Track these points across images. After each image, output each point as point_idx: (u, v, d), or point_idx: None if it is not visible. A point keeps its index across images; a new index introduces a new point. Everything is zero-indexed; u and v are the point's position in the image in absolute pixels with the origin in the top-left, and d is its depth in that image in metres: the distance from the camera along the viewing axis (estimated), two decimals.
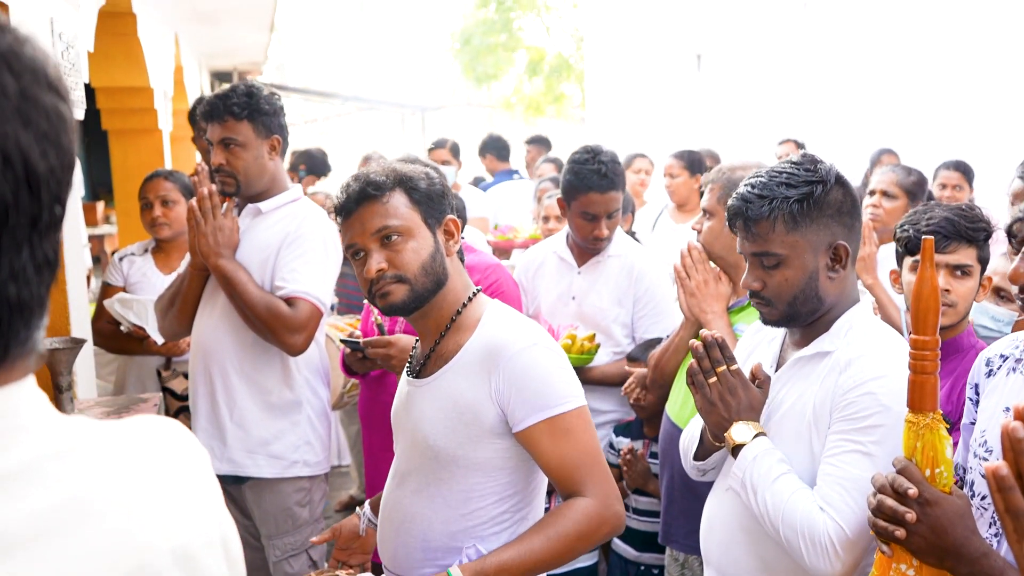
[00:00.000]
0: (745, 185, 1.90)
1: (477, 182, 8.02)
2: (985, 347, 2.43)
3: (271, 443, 2.99)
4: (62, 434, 0.75)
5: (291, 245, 2.94)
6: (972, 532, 1.51)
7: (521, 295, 3.33)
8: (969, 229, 2.50)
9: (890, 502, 1.53)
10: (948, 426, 1.80)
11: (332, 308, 4.04)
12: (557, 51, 23.25)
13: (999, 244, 2.62)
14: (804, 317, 1.91)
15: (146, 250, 3.99)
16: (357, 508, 2.33)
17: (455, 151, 6.21)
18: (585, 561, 3.19)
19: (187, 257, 3.08)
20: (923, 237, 1.55)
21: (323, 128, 28.60)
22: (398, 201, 1.91)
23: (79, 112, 3.36)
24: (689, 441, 2.14)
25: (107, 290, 3.90)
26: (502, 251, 5.64)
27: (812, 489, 1.81)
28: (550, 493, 2.42)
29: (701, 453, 2.09)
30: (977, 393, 1.79)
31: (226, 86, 3.05)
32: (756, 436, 1.88)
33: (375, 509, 2.25)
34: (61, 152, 0.73)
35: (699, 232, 2.73)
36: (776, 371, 2.00)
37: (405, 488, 1.99)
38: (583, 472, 1.86)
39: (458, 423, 1.90)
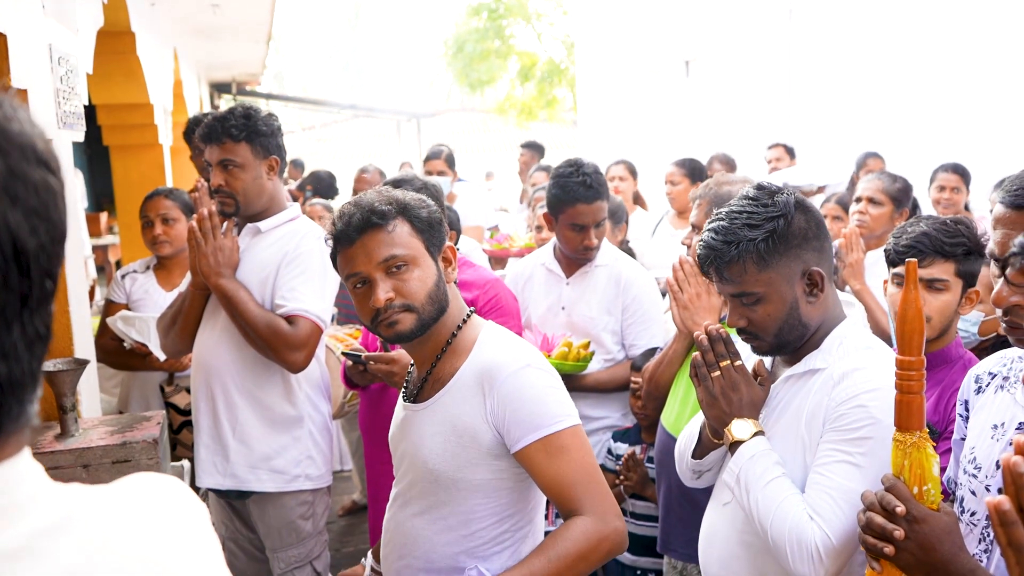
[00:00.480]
0: (708, 232, 1.88)
1: None
2: (972, 358, 2.45)
3: (273, 458, 2.98)
4: (59, 507, 0.73)
5: (290, 263, 2.93)
6: (960, 548, 1.51)
7: None
8: (946, 244, 2.47)
9: (879, 519, 1.54)
10: (936, 435, 1.81)
11: (332, 319, 4.05)
12: (548, 57, 23.26)
13: None
14: (793, 343, 1.91)
15: (148, 267, 3.98)
16: (362, 560, 2.30)
17: (450, 161, 6.19)
18: None
19: (188, 275, 3.07)
20: (907, 260, 1.55)
21: (320, 135, 28.61)
22: (402, 230, 1.89)
23: (78, 135, 3.35)
24: (687, 440, 2.13)
25: (110, 307, 3.90)
26: (497, 259, 5.63)
27: (803, 494, 1.81)
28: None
29: (699, 451, 2.08)
30: (967, 409, 1.79)
31: (224, 108, 3.04)
32: (755, 434, 1.88)
33: (377, 557, 2.22)
34: (51, 226, 0.71)
35: (689, 247, 2.73)
36: None
37: (407, 511, 1.98)
38: (580, 490, 1.85)
39: (456, 446, 1.89)
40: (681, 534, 2.60)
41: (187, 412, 3.58)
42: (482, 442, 1.87)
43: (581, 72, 16.42)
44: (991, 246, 1.61)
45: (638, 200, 6.20)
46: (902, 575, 1.56)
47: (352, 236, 1.87)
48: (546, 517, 2.09)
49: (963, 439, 1.79)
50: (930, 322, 2.47)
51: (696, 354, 1.96)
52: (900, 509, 1.51)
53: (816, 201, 6.34)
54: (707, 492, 2.13)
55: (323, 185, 7.72)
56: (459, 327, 1.96)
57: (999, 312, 1.58)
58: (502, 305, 2.95)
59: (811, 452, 1.83)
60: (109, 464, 2.64)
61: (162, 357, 3.47)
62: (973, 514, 1.67)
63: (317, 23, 49.87)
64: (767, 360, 2.06)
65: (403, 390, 2.09)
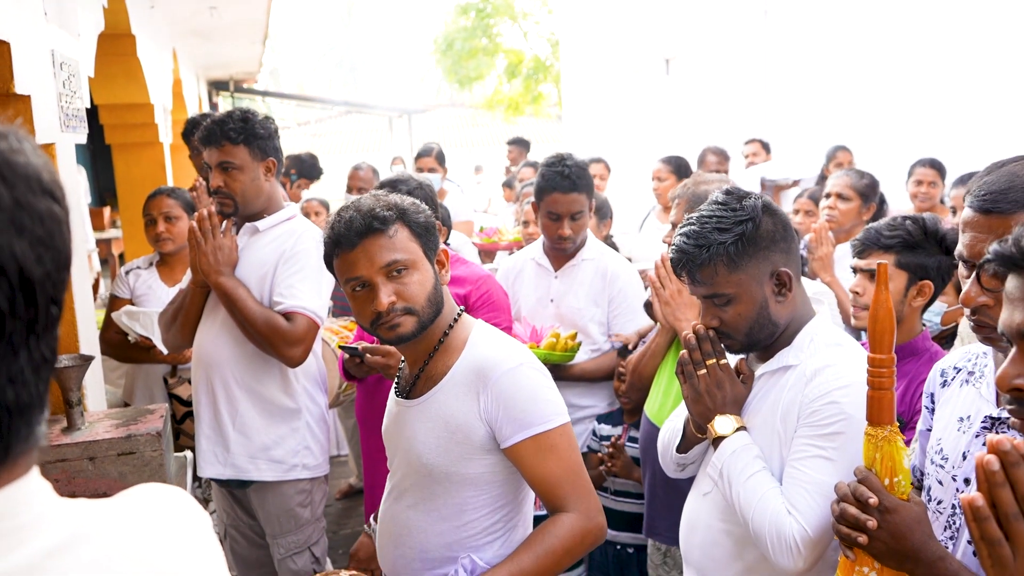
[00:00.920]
0: (680, 236, 1.88)
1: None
2: (938, 350, 2.46)
3: (272, 448, 2.98)
4: (67, 526, 0.73)
5: (288, 262, 2.91)
6: (929, 537, 1.52)
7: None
8: (883, 236, 2.52)
9: (852, 510, 1.55)
10: (903, 425, 1.82)
11: (328, 312, 4.03)
12: (534, 54, 23.19)
13: None
14: (764, 341, 1.91)
15: (151, 263, 3.98)
16: (365, 527, 2.31)
17: (440, 158, 6.16)
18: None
19: (189, 272, 3.06)
20: (878, 264, 1.55)
21: (315, 130, 28.49)
22: (402, 235, 1.87)
23: (81, 137, 3.32)
24: (671, 434, 2.14)
25: (115, 302, 3.88)
26: (486, 252, 5.62)
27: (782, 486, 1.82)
28: None
29: (683, 446, 2.08)
30: (933, 402, 1.80)
31: (222, 110, 3.02)
32: (737, 430, 1.89)
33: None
34: (56, 254, 0.70)
35: (670, 245, 2.72)
36: None
37: (402, 503, 1.97)
38: (567, 488, 1.86)
39: (450, 442, 1.88)
40: (665, 519, 2.61)
41: (190, 403, 3.56)
42: (475, 438, 1.87)
43: (566, 69, 16.37)
44: (960, 248, 1.61)
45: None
46: (874, 563, 1.57)
47: (353, 240, 1.84)
48: (535, 504, 2.09)
49: (929, 430, 1.79)
50: (868, 309, 2.51)
51: (683, 352, 1.96)
52: (873, 500, 1.52)
53: (791, 194, 6.35)
54: (690, 480, 2.14)
55: (306, 167, 7.64)
56: (451, 326, 1.95)
57: (967, 311, 1.58)
58: (494, 300, 2.95)
59: (786, 446, 1.83)
60: (114, 456, 2.63)
61: (165, 351, 3.45)
62: (940, 502, 1.68)
63: (311, 22, 49.61)
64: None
65: (395, 386, 2.08)
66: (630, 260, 4.12)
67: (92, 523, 0.75)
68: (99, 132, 6.19)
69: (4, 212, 0.66)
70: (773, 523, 1.76)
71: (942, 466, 1.68)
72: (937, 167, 5.17)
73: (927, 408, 1.82)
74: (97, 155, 11.72)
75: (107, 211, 11.06)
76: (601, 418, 3.31)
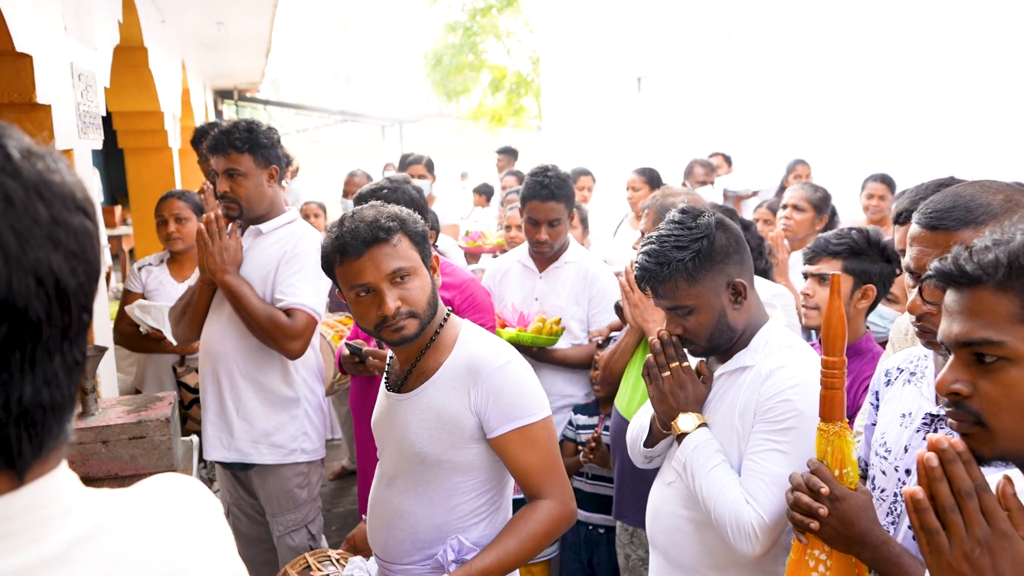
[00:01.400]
0: (641, 255, 1.89)
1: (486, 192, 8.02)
2: (880, 350, 2.50)
3: (273, 434, 2.97)
4: (93, 515, 0.73)
5: (289, 262, 2.90)
6: (874, 523, 1.54)
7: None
8: (831, 244, 2.57)
9: (805, 498, 1.57)
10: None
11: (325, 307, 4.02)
12: (516, 70, 23.14)
13: None
14: (723, 345, 1.93)
15: (162, 261, 3.96)
16: (363, 516, 2.31)
17: (430, 166, 6.15)
18: (549, 554, 3.24)
19: (197, 270, 3.04)
20: (831, 275, 1.57)
21: (312, 137, 28.31)
22: (404, 243, 1.87)
23: (97, 143, 3.30)
24: (638, 430, 2.15)
25: (128, 296, 3.86)
26: (471, 254, 5.62)
27: (740, 478, 1.83)
28: None
29: (650, 440, 2.09)
30: (877, 399, 1.82)
31: (229, 121, 3.00)
32: (699, 426, 1.90)
33: None
34: (88, 266, 0.70)
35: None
36: None
37: (393, 489, 1.97)
38: (545, 477, 1.88)
39: (441, 432, 1.88)
40: (632, 504, 2.63)
41: (196, 390, 3.55)
42: (465, 428, 1.87)
43: (546, 84, 16.37)
44: (907, 260, 1.63)
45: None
46: (825, 546, 1.59)
47: (360, 249, 1.83)
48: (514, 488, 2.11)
49: (874, 424, 1.82)
50: (818, 309, 2.59)
51: (649, 356, 1.97)
52: (824, 489, 1.54)
53: (751, 204, 6.40)
54: (656, 470, 2.15)
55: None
56: (441, 325, 1.95)
57: (912, 318, 1.60)
58: (478, 303, 2.94)
59: (744, 440, 1.85)
60: (126, 440, 2.61)
61: (175, 342, 3.44)
62: (883, 491, 1.70)
63: (310, 35, 49.31)
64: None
65: (385, 381, 2.07)
66: (605, 263, 4.14)
67: (115, 512, 0.75)
68: (111, 136, 6.15)
69: (42, 228, 0.66)
70: (732, 512, 1.78)
71: (885, 458, 1.71)
72: (887, 182, 5.22)
73: (872, 405, 1.84)
74: (109, 157, 11.59)
75: (118, 209, 10.93)
76: (578, 408, 3.33)
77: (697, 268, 1.83)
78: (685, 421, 1.91)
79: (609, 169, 9.87)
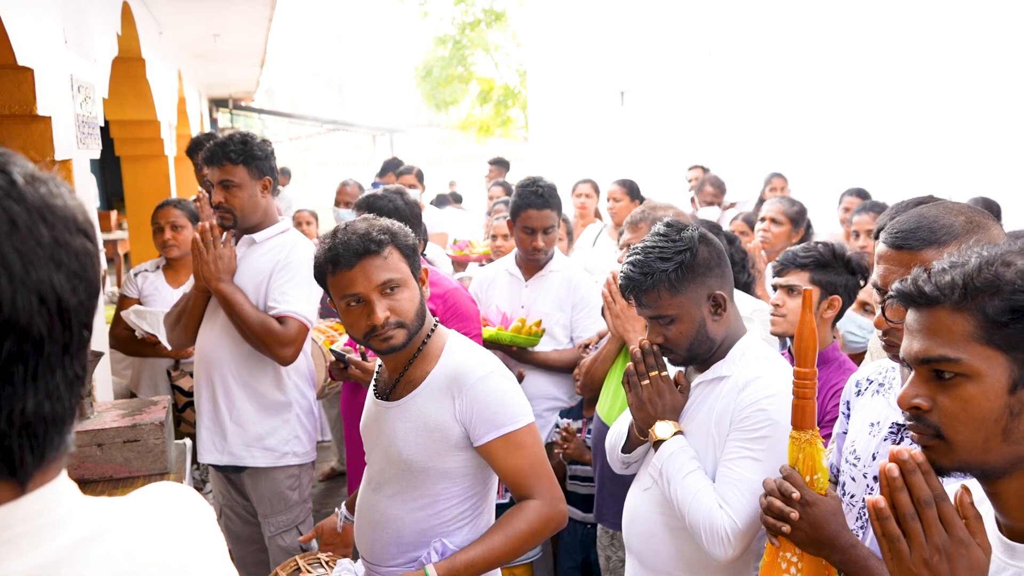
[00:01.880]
0: (626, 265, 1.91)
1: (440, 202, 8.01)
2: (846, 358, 2.53)
3: (265, 438, 2.97)
4: (92, 521, 0.74)
5: (282, 271, 2.90)
6: (843, 527, 1.57)
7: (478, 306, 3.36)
8: (799, 256, 2.60)
9: (778, 503, 1.58)
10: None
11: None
12: (504, 82, 23.20)
13: None
14: (702, 355, 1.94)
15: (158, 267, 3.94)
16: (336, 509, 2.32)
17: (420, 177, 6.16)
18: (532, 556, 3.24)
19: (192, 277, 3.04)
20: (804, 290, 1.60)
21: (305, 145, 28.20)
22: (394, 256, 1.88)
23: (95, 153, 3.29)
24: (617, 436, 2.16)
25: (124, 302, 3.85)
26: (458, 262, 5.63)
27: (715, 484, 1.85)
28: None
29: (628, 447, 2.10)
30: (848, 409, 1.85)
31: (225, 134, 3.00)
32: (675, 434, 1.91)
33: (351, 508, 2.23)
34: (88, 285, 0.71)
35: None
36: None
37: (380, 493, 1.98)
38: (532, 479, 1.89)
39: (428, 440, 1.89)
40: (612, 507, 2.64)
41: (190, 394, 3.54)
42: (450, 436, 1.88)
43: (532, 96, 16.42)
44: (874, 277, 1.66)
45: (598, 214, 6.21)
46: (796, 549, 1.61)
47: (352, 261, 1.84)
48: (498, 493, 2.11)
49: (845, 433, 1.84)
50: (786, 317, 2.61)
51: (629, 364, 1.99)
52: (795, 495, 1.56)
53: (728, 215, 6.43)
54: (634, 475, 2.17)
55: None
56: (428, 335, 1.97)
57: (879, 332, 1.63)
58: (461, 312, 2.94)
59: (720, 448, 1.86)
60: (121, 443, 2.61)
61: (169, 347, 3.43)
62: (853, 496, 1.73)
63: (304, 45, 49.23)
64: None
65: (373, 388, 2.08)
66: (586, 271, 4.16)
67: (112, 519, 0.77)
68: (108, 143, 6.13)
69: (45, 249, 0.67)
70: (707, 516, 1.79)
71: (855, 465, 1.73)
72: (863, 196, 5.26)
73: (843, 414, 1.87)
74: (105, 162, 11.53)
75: (114, 214, 10.90)
76: (563, 413, 3.34)
77: (680, 279, 1.85)
78: (662, 428, 1.92)
79: (593, 179, 9.90)
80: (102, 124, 3.52)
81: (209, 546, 0.84)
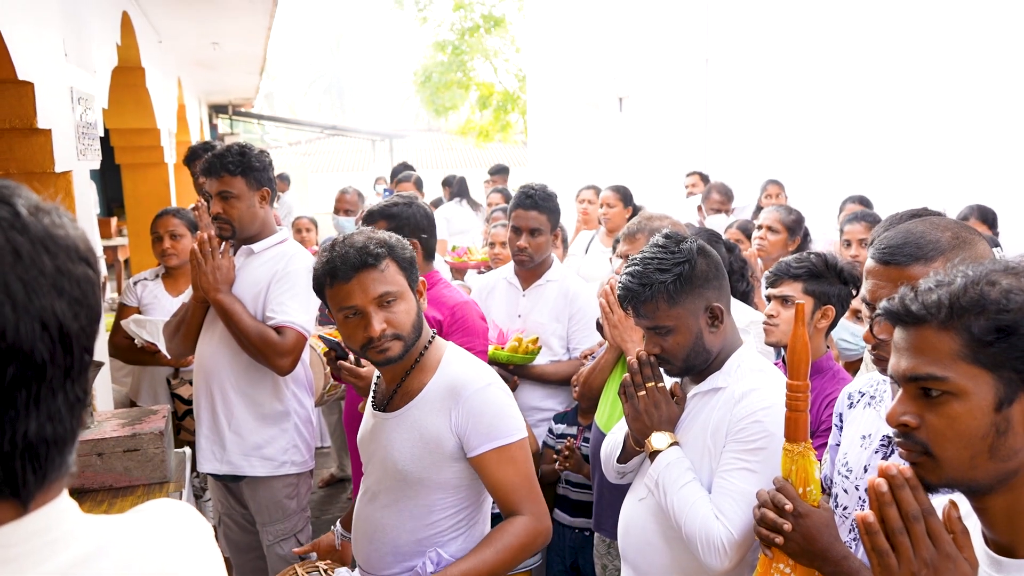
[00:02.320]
0: (625, 275, 1.92)
1: (437, 204, 8.00)
2: (840, 368, 2.54)
3: (263, 447, 2.97)
4: (92, 539, 0.76)
5: (280, 281, 2.91)
6: (835, 539, 1.58)
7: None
8: (792, 267, 2.61)
9: (771, 515, 1.59)
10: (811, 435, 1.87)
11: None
12: (503, 88, 23.20)
13: None
14: (699, 367, 1.95)
15: (157, 275, 3.95)
16: (332, 527, 2.33)
17: (419, 184, 6.18)
18: (532, 564, 3.25)
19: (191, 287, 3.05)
20: (796, 303, 1.61)
21: (305, 150, 28.23)
22: (392, 269, 1.89)
23: (95, 164, 3.31)
24: (612, 446, 2.16)
25: (124, 310, 3.86)
26: (457, 269, 5.64)
27: (710, 495, 1.86)
28: None
29: (624, 457, 2.11)
30: (841, 421, 1.86)
31: (223, 145, 3.01)
32: (671, 445, 1.92)
33: (346, 526, 2.24)
34: (89, 311, 0.73)
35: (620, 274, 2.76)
36: None
37: (376, 503, 1.99)
38: (522, 495, 1.90)
39: (424, 451, 1.90)
40: (610, 516, 2.63)
41: (190, 402, 3.54)
42: (446, 448, 1.90)
43: (531, 102, 16.44)
44: (864, 292, 1.67)
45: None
46: (789, 560, 1.62)
47: (349, 274, 1.86)
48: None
49: (838, 445, 1.85)
50: (779, 327, 2.63)
51: (626, 375, 1.99)
52: (788, 506, 1.56)
53: (724, 222, 6.43)
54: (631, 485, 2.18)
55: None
56: (426, 347, 1.98)
57: (868, 346, 1.65)
58: (468, 326, 2.91)
59: (715, 459, 1.87)
60: (121, 452, 2.62)
61: (169, 356, 3.44)
62: (845, 508, 1.74)
63: (303, 51, 49.30)
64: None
65: (371, 400, 2.09)
66: (580, 276, 4.16)
67: (113, 536, 0.78)
68: (108, 151, 6.15)
69: (47, 278, 0.69)
70: (703, 527, 1.80)
71: (847, 476, 1.75)
72: (866, 205, 5.26)
73: (836, 426, 1.88)
74: (105, 170, 11.55)
75: (114, 221, 10.92)
76: (558, 418, 3.35)
77: (678, 291, 1.86)
78: (658, 439, 1.93)
79: (597, 185, 9.91)
80: (102, 134, 3.54)
81: (207, 562, 0.86)
